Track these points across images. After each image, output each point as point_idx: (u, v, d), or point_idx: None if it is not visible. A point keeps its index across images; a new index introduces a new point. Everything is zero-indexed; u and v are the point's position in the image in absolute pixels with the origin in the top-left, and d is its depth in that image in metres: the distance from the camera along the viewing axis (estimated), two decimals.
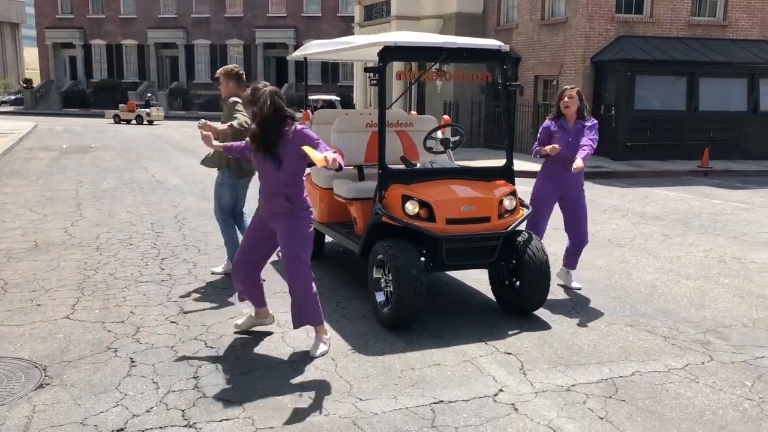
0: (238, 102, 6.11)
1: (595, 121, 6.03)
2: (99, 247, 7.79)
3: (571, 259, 6.39)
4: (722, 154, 17.69)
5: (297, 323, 4.65)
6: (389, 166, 5.47)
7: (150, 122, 34.96)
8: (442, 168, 5.73)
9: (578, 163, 5.59)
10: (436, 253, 5.19)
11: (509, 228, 5.30)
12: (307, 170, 7.80)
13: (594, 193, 12.91)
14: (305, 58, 7.31)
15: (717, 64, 17.97)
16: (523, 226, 5.54)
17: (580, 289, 6.29)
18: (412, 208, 5.13)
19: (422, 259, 5.23)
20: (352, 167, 6.78)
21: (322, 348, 4.63)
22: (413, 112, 7.70)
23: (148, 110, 35.32)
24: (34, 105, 45.57)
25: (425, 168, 5.85)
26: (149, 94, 38.77)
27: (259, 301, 5.01)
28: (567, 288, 6.34)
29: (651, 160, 17.45)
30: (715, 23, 19.20)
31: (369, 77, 5.22)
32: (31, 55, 63.90)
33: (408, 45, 5.35)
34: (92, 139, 24.38)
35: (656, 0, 18.55)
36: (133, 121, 35.10)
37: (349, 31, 34.10)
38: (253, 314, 5.09)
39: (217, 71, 6.49)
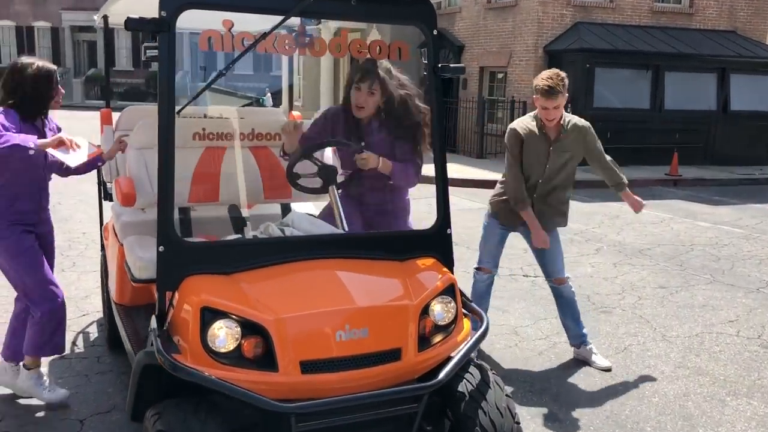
0: None
1: None
2: None
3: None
4: (689, 158, 15.39)
5: None
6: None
7: None
8: (306, 237, 2.88)
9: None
10: None
11: (443, 373, 2.46)
12: (107, 217, 4.79)
13: None
14: (105, 18, 4.36)
15: (684, 57, 15.68)
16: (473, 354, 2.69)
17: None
18: (225, 338, 2.30)
19: None
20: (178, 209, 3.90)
21: None
22: (294, 114, 4.74)
23: None
24: None
25: (270, 237, 2.90)
26: None
27: None
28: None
29: None
30: (681, 11, 16.96)
31: (144, 49, 2.41)
32: None
33: None
34: None
35: None
36: None
37: None
38: None
39: None
